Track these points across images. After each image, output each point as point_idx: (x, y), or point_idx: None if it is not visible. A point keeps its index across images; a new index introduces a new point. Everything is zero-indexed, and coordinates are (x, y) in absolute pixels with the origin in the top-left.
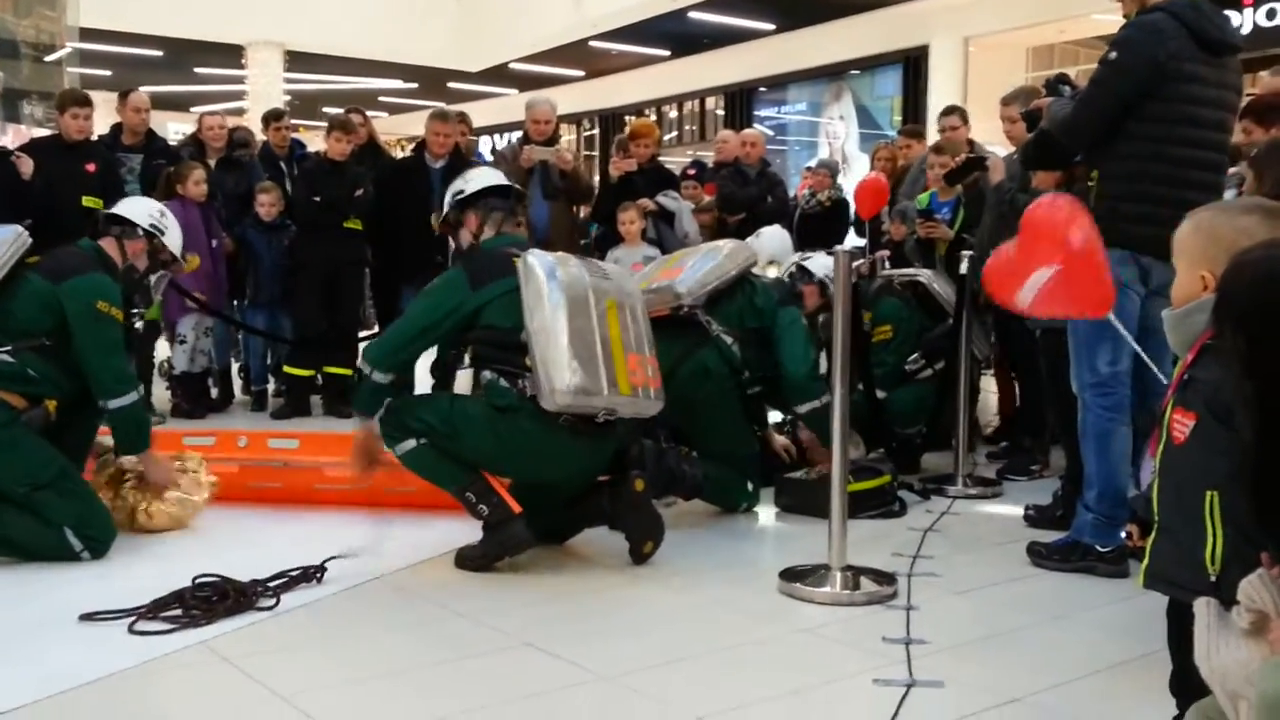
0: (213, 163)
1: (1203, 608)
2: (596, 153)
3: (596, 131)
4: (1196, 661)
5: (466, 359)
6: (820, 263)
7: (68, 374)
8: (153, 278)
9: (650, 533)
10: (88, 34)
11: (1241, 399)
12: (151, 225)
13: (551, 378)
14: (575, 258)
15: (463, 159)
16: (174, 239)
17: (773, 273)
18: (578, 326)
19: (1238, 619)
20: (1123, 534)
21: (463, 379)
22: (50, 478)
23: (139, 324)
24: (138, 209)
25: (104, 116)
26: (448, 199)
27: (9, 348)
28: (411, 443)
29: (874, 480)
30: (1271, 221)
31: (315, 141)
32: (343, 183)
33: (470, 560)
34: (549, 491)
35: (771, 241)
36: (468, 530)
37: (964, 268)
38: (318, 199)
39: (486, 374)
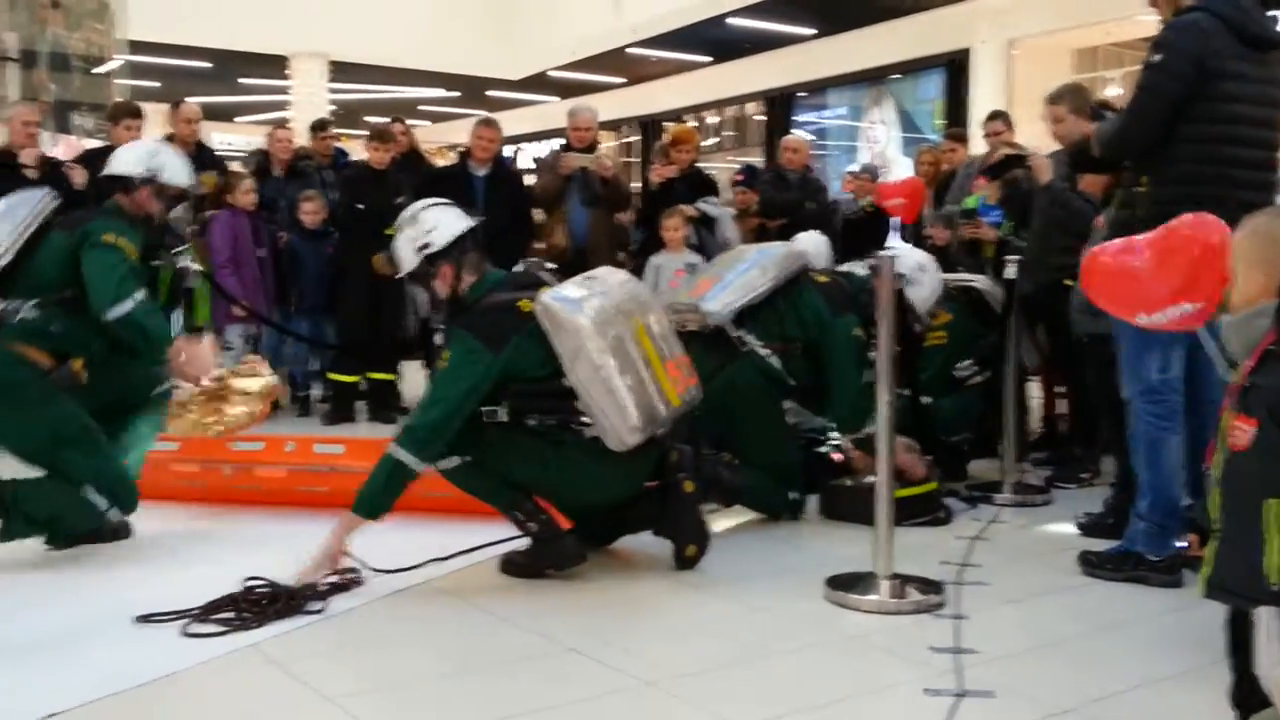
0: (277, 173)
1: (1264, 617)
2: (636, 159)
3: (636, 138)
4: (1258, 671)
5: (500, 412)
6: (912, 258)
7: (90, 331)
8: (175, 216)
9: (695, 537)
10: (136, 46)
11: None
12: (146, 170)
13: (617, 426)
14: (582, 279)
15: (505, 166)
16: (174, 173)
17: None
18: (622, 363)
19: None
20: (1181, 542)
21: None
22: (73, 433)
23: (188, 263)
24: (128, 159)
25: (152, 128)
26: (409, 251)
27: (34, 302)
28: (456, 460)
29: (919, 486)
30: None
31: (358, 150)
32: (384, 190)
33: (517, 567)
34: (597, 507)
35: (807, 247)
36: (510, 532)
37: (1010, 272)
38: (360, 206)
39: (531, 421)
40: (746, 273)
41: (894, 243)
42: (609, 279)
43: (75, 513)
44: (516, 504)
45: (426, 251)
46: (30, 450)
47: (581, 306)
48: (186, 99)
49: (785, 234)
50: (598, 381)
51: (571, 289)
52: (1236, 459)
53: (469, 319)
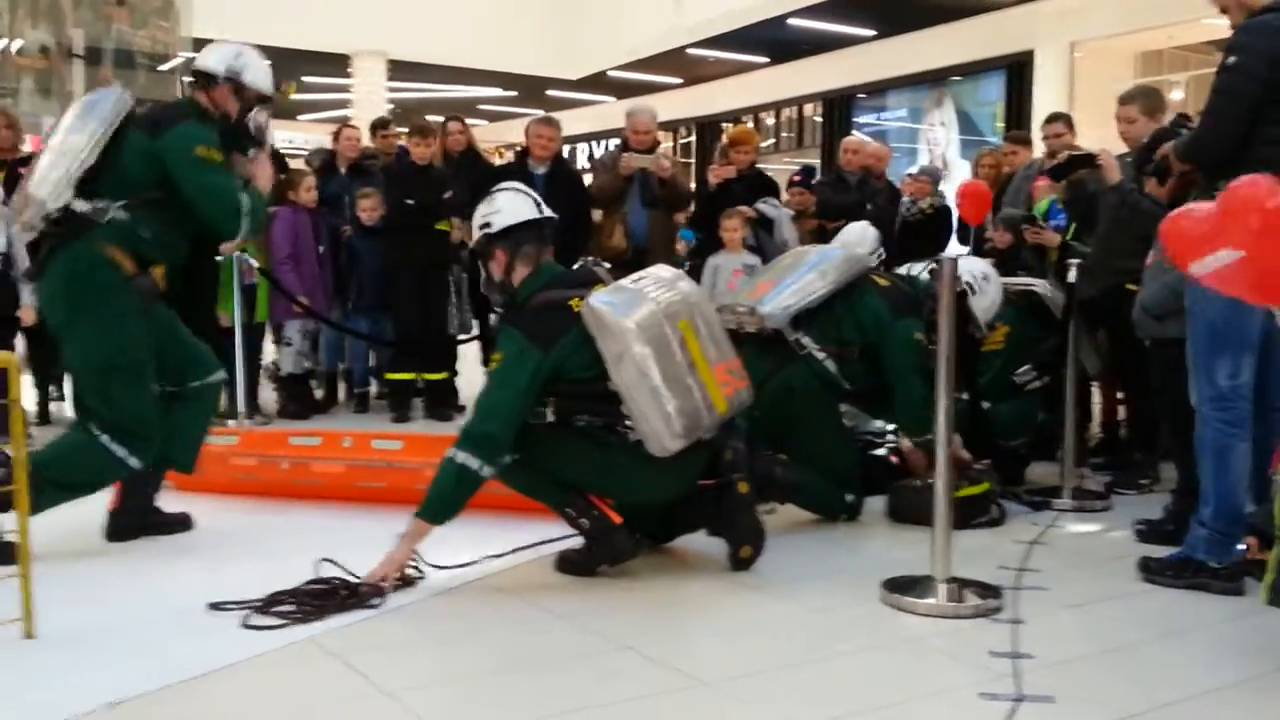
0: (343, 169)
1: None
2: (693, 160)
3: (694, 139)
4: None
5: (548, 413)
6: (970, 265)
7: (177, 235)
8: (253, 119)
9: (750, 538)
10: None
11: None
12: (228, 70)
13: (659, 432)
14: (630, 282)
15: (564, 165)
16: (256, 76)
17: None
18: (667, 369)
19: None
20: (1241, 546)
21: None
22: (126, 362)
23: (249, 259)
24: (213, 58)
25: None
26: (475, 225)
27: (122, 203)
28: (506, 458)
29: (975, 487)
30: None
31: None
32: (430, 185)
33: (572, 565)
34: (649, 507)
35: (850, 235)
36: (566, 530)
37: (1072, 276)
38: (410, 202)
39: (579, 422)
40: (805, 275)
41: (954, 247)
42: (661, 276)
43: (101, 467)
44: (568, 501)
45: (485, 231)
46: (89, 369)
47: (629, 309)
48: None
49: None
50: (641, 387)
51: (621, 289)
52: None
53: (520, 317)
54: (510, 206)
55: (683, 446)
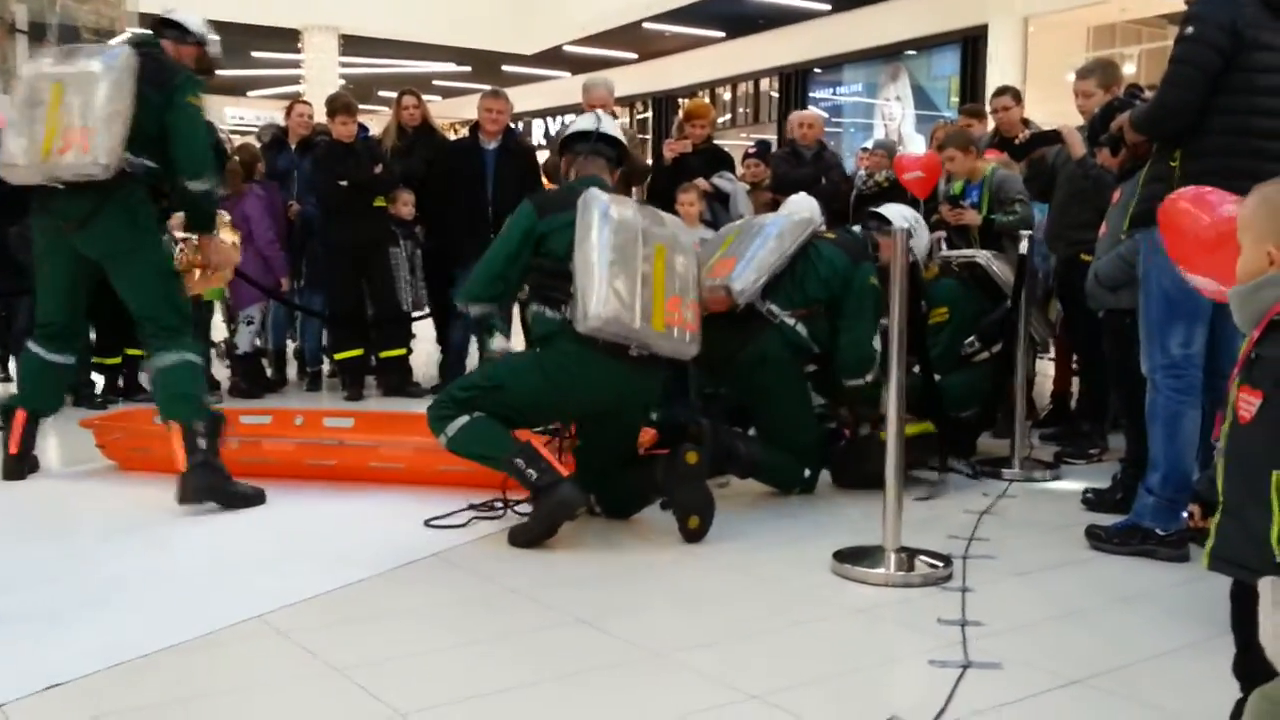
0: (293, 146)
1: (1268, 587)
2: (650, 135)
3: (650, 114)
4: (1261, 641)
5: (500, 325)
6: (899, 211)
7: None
8: None
9: (698, 508)
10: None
11: None
12: (202, 35)
13: (587, 303)
14: (636, 204)
15: (514, 139)
16: (217, 53)
17: None
18: (620, 260)
19: None
20: (1184, 514)
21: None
22: (174, 271)
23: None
24: (193, 19)
25: None
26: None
27: (145, 154)
28: (463, 419)
29: (917, 425)
30: None
31: (375, 125)
32: (360, 162)
33: (522, 535)
34: (607, 442)
35: (796, 208)
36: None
37: (1023, 248)
38: (343, 183)
39: (534, 306)
40: (766, 245)
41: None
42: (669, 218)
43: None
44: (518, 451)
45: (560, 141)
46: (161, 275)
47: (611, 206)
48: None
49: None
50: (589, 262)
51: (626, 204)
52: (1241, 431)
53: (535, 195)
54: (577, 122)
55: (598, 328)
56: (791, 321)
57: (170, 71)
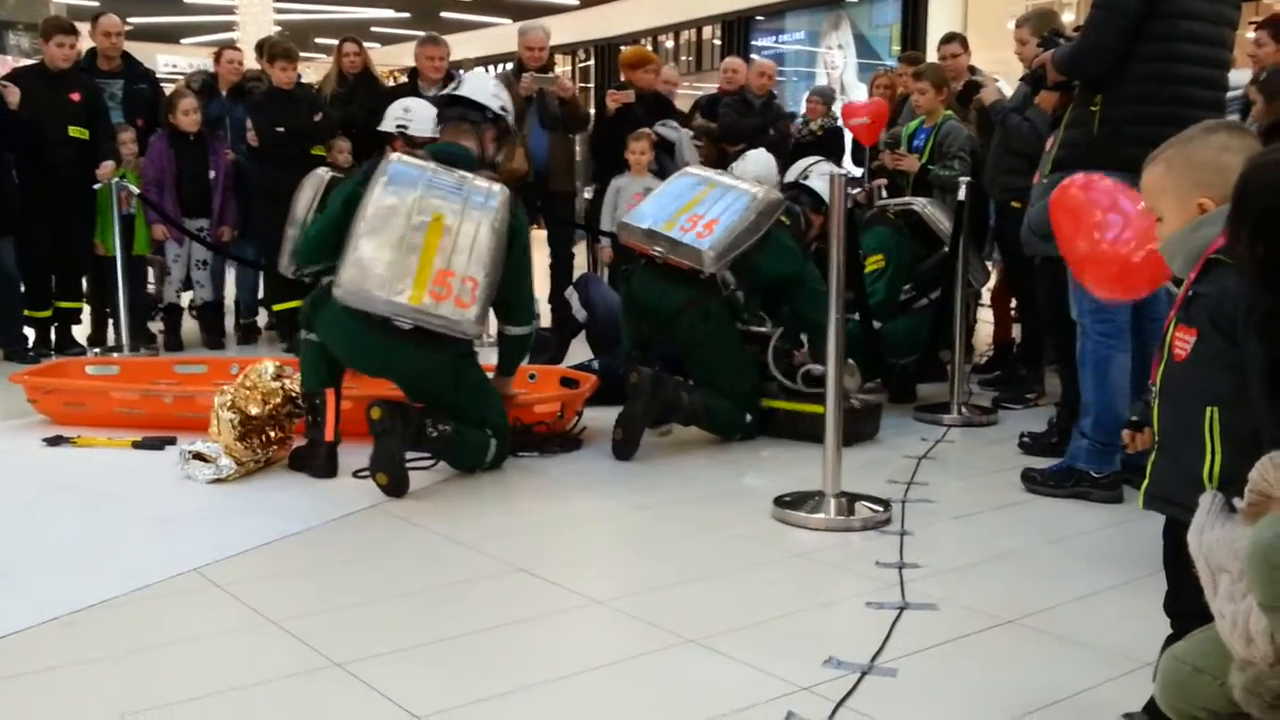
0: (224, 93)
1: (1208, 497)
2: (591, 84)
3: (592, 63)
4: (1188, 537)
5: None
6: (823, 185)
7: None
8: None
9: (385, 466)
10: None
11: (1259, 309)
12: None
13: (339, 274)
14: (445, 169)
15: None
16: None
17: None
18: (377, 227)
19: (1239, 502)
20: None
21: None
22: None
23: (128, 185)
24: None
25: (87, 44)
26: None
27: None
28: (308, 335)
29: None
30: (1241, 134)
31: (308, 73)
32: (299, 110)
33: (298, 459)
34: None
35: (756, 166)
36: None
37: (961, 194)
38: (280, 130)
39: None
40: (741, 217)
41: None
42: (480, 184)
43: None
44: (314, 394)
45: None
46: None
47: (398, 173)
48: (127, 18)
49: None
50: (352, 233)
51: (439, 174)
52: (1177, 369)
53: (378, 160)
54: (464, 84)
55: (345, 299)
56: (740, 293)
57: None
